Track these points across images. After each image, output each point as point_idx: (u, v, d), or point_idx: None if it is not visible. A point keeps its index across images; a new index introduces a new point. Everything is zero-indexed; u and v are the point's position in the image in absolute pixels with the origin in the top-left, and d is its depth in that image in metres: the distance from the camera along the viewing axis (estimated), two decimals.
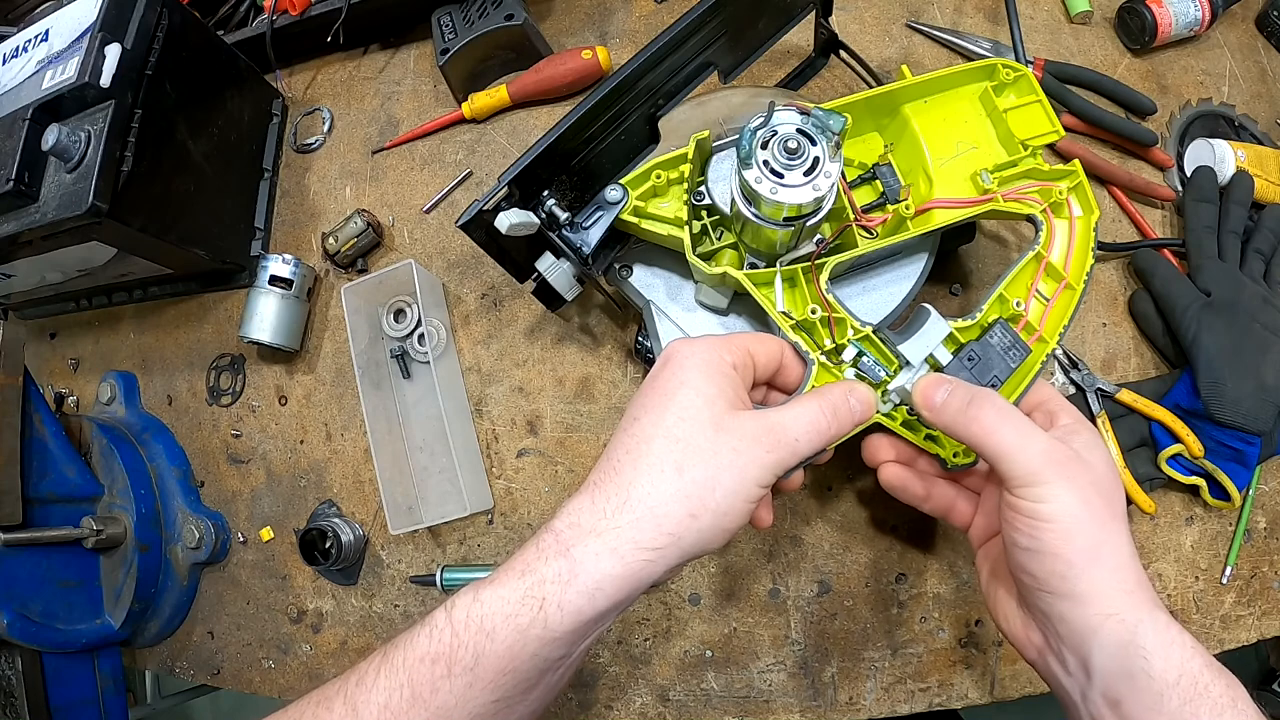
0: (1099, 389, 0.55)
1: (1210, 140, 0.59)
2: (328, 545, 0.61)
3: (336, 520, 0.64)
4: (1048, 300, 0.47)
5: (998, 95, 0.49)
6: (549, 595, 0.31)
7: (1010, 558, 0.37)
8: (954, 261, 0.60)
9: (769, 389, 0.44)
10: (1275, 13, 0.65)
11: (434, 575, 0.60)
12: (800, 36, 0.61)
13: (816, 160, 0.42)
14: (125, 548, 0.66)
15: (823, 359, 0.46)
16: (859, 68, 0.64)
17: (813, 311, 0.45)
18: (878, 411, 0.45)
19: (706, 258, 0.51)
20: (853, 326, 0.45)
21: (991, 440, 0.36)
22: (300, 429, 0.69)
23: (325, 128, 0.77)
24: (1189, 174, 0.60)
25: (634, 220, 0.50)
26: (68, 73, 0.56)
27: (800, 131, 0.42)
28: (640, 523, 0.32)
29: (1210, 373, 0.52)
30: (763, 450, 0.34)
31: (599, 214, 0.50)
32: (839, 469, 0.58)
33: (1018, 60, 0.56)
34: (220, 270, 0.73)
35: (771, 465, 0.34)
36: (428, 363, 0.64)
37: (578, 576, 0.31)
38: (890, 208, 0.48)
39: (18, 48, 0.61)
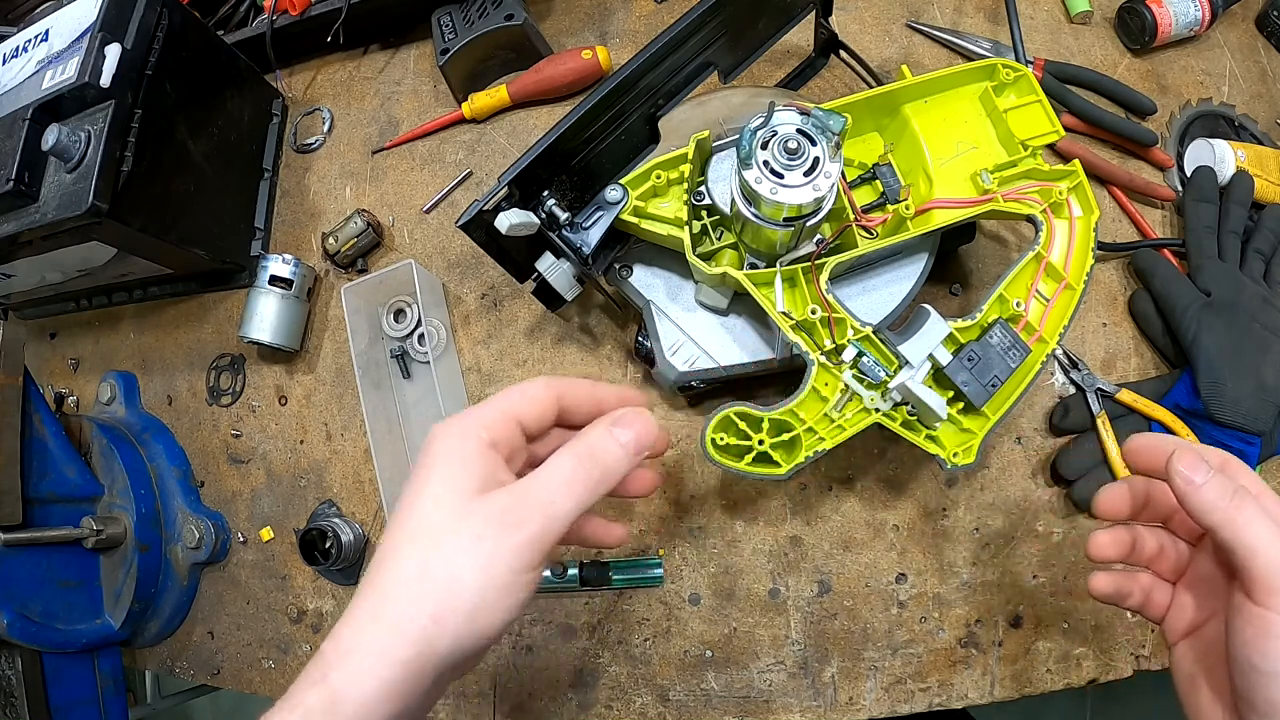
0: (1099, 389, 0.55)
1: (1210, 140, 0.59)
2: (328, 545, 0.61)
3: (336, 520, 0.64)
4: (1048, 300, 0.47)
5: (998, 95, 0.49)
6: None
7: (1240, 677, 0.31)
8: (954, 261, 0.60)
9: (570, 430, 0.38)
10: (1275, 13, 0.65)
11: None
12: (800, 36, 0.61)
13: (816, 160, 0.42)
14: (125, 548, 0.66)
15: (823, 359, 0.46)
16: (859, 68, 0.64)
17: (813, 311, 0.45)
18: (876, 410, 0.45)
19: (706, 258, 0.51)
20: (853, 326, 0.46)
21: (1246, 535, 0.31)
22: (300, 429, 0.69)
23: (325, 128, 0.77)
24: (1189, 174, 0.60)
25: (634, 220, 0.50)
26: (68, 73, 0.56)
27: (800, 132, 0.42)
28: (388, 634, 0.29)
29: (1210, 373, 0.52)
30: (509, 531, 0.30)
31: (599, 214, 0.50)
32: (839, 469, 0.58)
33: (1018, 60, 0.56)
34: (220, 270, 0.73)
35: (526, 544, 0.30)
36: (428, 363, 0.64)
37: (338, 704, 0.29)
38: (890, 208, 0.48)
39: (18, 48, 0.61)
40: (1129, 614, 0.53)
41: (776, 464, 0.46)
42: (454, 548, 0.30)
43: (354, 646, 0.30)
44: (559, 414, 0.36)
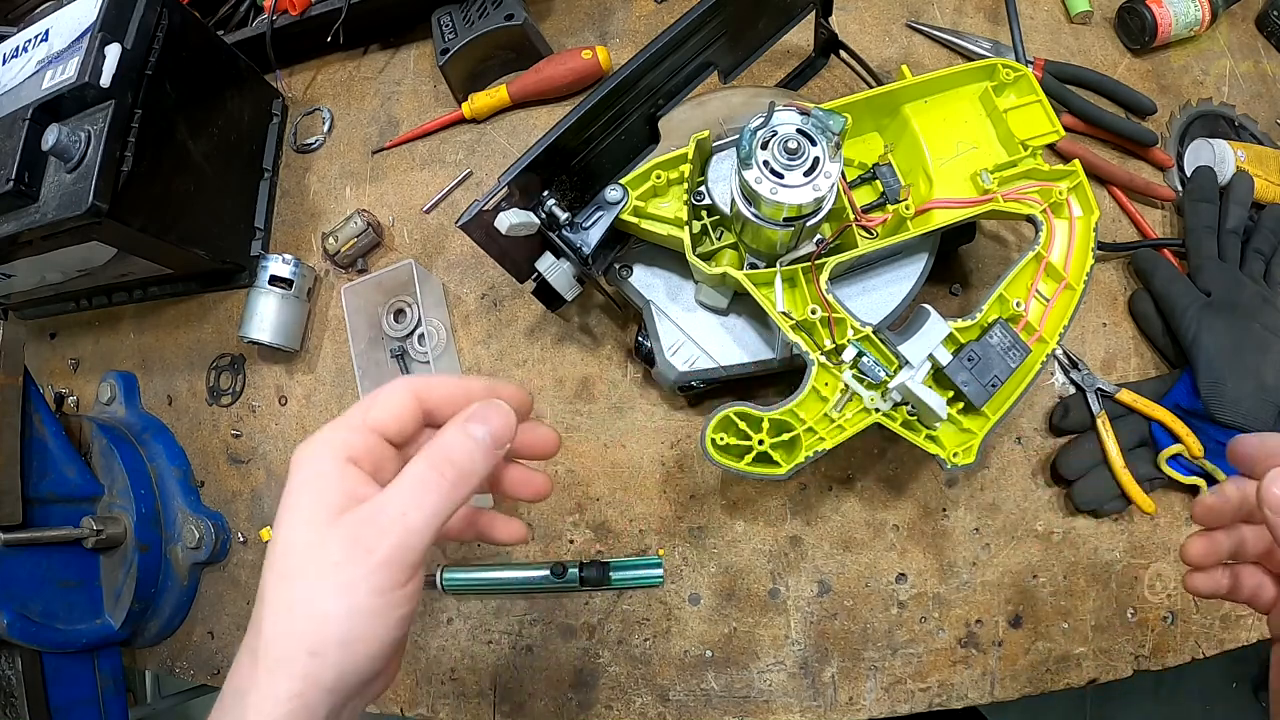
0: (1099, 389, 0.55)
1: (1210, 140, 0.59)
2: None
3: None
4: (1048, 300, 0.47)
5: (998, 95, 0.49)
6: None
7: None
8: (954, 261, 0.60)
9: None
10: (1275, 13, 0.65)
11: (434, 575, 0.60)
12: (800, 36, 0.61)
13: (816, 160, 0.42)
14: (125, 548, 0.66)
15: (823, 359, 0.46)
16: (859, 68, 0.64)
17: (813, 311, 0.45)
18: (876, 410, 0.45)
19: (706, 258, 0.51)
20: (853, 327, 0.46)
21: None
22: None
23: (325, 128, 0.77)
24: (1189, 174, 0.60)
25: (634, 220, 0.50)
26: (68, 73, 0.56)
27: (800, 132, 0.42)
28: (273, 673, 0.28)
29: (1210, 373, 0.52)
30: (364, 551, 0.28)
31: (599, 214, 0.50)
32: (839, 469, 0.58)
33: (1018, 60, 0.56)
34: (220, 270, 0.73)
35: (383, 564, 0.28)
36: (428, 363, 0.64)
37: None
38: (890, 208, 0.48)
39: (18, 48, 0.61)
40: (1129, 614, 0.53)
41: (776, 464, 0.46)
42: (315, 576, 0.29)
43: (246, 687, 0.29)
44: (426, 415, 0.33)
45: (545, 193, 0.49)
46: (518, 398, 0.34)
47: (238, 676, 0.29)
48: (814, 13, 0.59)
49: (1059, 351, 0.57)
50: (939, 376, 0.45)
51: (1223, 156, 0.58)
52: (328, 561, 0.29)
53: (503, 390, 0.34)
